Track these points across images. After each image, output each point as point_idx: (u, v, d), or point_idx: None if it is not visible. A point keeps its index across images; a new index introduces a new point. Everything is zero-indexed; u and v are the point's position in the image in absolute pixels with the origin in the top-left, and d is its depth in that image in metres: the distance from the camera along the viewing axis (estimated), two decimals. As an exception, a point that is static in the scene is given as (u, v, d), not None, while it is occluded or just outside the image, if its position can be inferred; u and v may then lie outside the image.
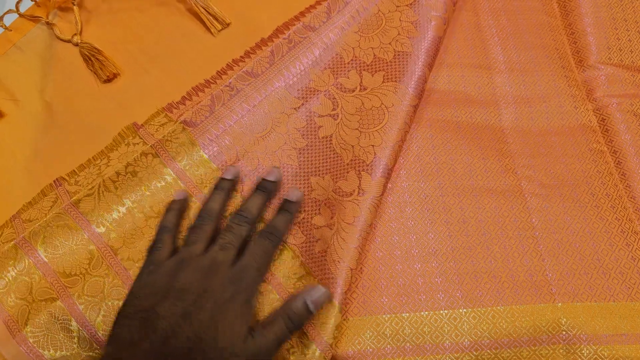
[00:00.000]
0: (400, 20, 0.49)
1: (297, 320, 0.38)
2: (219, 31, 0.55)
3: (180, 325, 0.36)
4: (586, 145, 0.50)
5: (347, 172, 0.43)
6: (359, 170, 0.43)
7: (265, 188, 0.45)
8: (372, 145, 0.44)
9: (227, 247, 0.40)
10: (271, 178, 0.45)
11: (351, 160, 0.44)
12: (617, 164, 0.49)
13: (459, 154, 0.48)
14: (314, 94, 0.48)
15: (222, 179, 0.45)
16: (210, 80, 0.51)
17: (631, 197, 0.47)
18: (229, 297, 0.37)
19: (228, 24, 0.55)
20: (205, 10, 0.54)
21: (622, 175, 0.48)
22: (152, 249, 0.42)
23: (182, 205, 0.45)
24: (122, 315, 0.38)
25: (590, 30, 0.55)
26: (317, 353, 0.38)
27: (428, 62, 0.48)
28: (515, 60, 0.53)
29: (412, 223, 0.45)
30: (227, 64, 0.52)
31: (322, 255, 0.41)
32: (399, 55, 0.47)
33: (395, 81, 0.46)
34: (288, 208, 0.44)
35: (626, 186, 0.48)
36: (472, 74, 0.52)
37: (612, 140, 0.50)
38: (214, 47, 0.55)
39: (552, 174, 0.48)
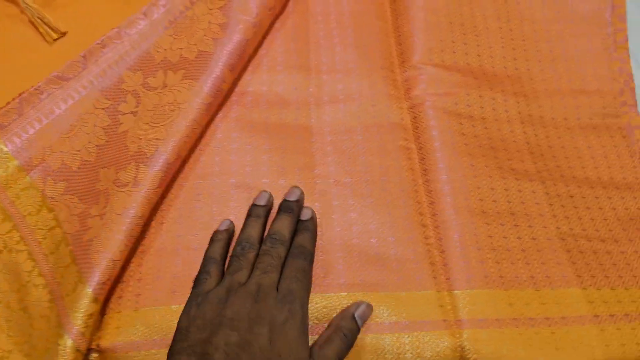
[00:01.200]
0: (209, 22, 0.50)
1: (351, 336, 0.40)
2: (55, 40, 0.57)
3: (238, 354, 0.35)
4: (393, 142, 0.50)
5: (129, 164, 0.44)
6: (138, 163, 0.44)
7: (290, 208, 0.45)
8: (157, 139, 0.45)
9: (269, 271, 0.40)
10: (292, 198, 0.46)
11: (135, 152, 0.45)
12: (421, 160, 0.50)
13: (261, 153, 0.48)
14: (123, 94, 0.49)
15: (256, 205, 0.46)
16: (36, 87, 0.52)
17: (427, 192, 0.48)
18: (284, 320, 0.37)
19: (64, 33, 0.57)
20: (40, 20, 0.56)
21: (424, 170, 0.49)
22: (199, 281, 0.41)
23: (228, 235, 0.45)
24: (176, 351, 0.37)
25: (416, 32, 0.56)
26: (69, 343, 0.38)
27: (230, 64, 0.49)
28: (337, 62, 0.54)
29: (201, 220, 0.45)
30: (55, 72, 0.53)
31: (88, 244, 0.41)
32: (201, 54, 0.49)
33: (192, 79, 0.47)
34: (305, 227, 0.44)
35: (425, 181, 0.48)
36: (289, 76, 0.53)
37: (420, 137, 0.51)
38: (50, 56, 0.56)
39: (349, 171, 0.48)
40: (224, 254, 0.43)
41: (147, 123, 0.46)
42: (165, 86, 0.48)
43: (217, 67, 0.48)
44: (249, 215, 0.45)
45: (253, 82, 0.53)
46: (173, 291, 0.42)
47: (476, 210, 0.47)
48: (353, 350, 0.40)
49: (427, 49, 0.55)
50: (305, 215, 0.45)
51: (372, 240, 0.45)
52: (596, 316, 0.44)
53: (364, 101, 0.52)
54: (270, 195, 0.47)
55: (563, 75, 0.58)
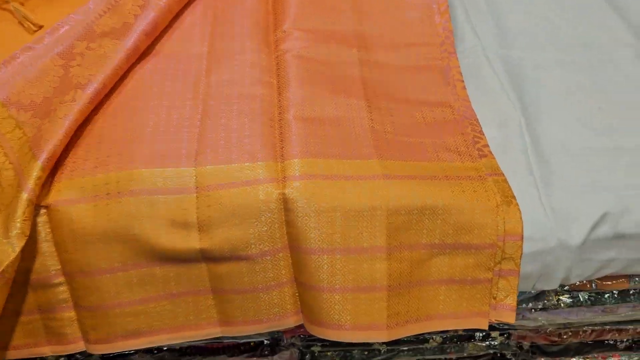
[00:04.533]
0: (132, 4, 0.73)
1: None
2: (35, 31, 0.81)
3: None
4: (261, 78, 0.72)
5: (71, 90, 0.66)
6: (76, 89, 0.66)
7: None
8: (90, 74, 0.67)
9: None
10: None
11: (75, 84, 0.67)
12: (278, 87, 0.71)
13: (165, 86, 0.71)
14: (73, 55, 0.72)
15: None
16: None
17: (279, 107, 0.68)
18: None
19: (41, 26, 0.81)
20: (24, 17, 0.81)
21: (279, 94, 0.70)
22: None
23: None
24: None
25: (286, 10, 0.79)
26: (25, 196, 0.59)
27: (145, 30, 0.72)
28: (226, 30, 0.77)
29: (119, 126, 0.67)
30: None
31: (40, 137, 0.63)
32: (125, 25, 0.72)
33: (117, 39, 0.70)
34: None
35: (279, 100, 0.69)
36: (193, 41, 0.76)
37: (279, 74, 0.72)
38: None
39: (230, 95, 0.70)
40: None
41: (86, 67, 0.69)
42: (101, 46, 0.71)
43: (136, 33, 0.71)
44: None
45: (166, 45, 0.75)
46: (95, 167, 0.63)
47: (308, 116, 0.67)
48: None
49: (292, 20, 0.78)
50: None
51: (232, 135, 0.66)
52: (386, 175, 0.63)
53: (246, 54, 0.74)
54: None
55: (398, 35, 0.79)
